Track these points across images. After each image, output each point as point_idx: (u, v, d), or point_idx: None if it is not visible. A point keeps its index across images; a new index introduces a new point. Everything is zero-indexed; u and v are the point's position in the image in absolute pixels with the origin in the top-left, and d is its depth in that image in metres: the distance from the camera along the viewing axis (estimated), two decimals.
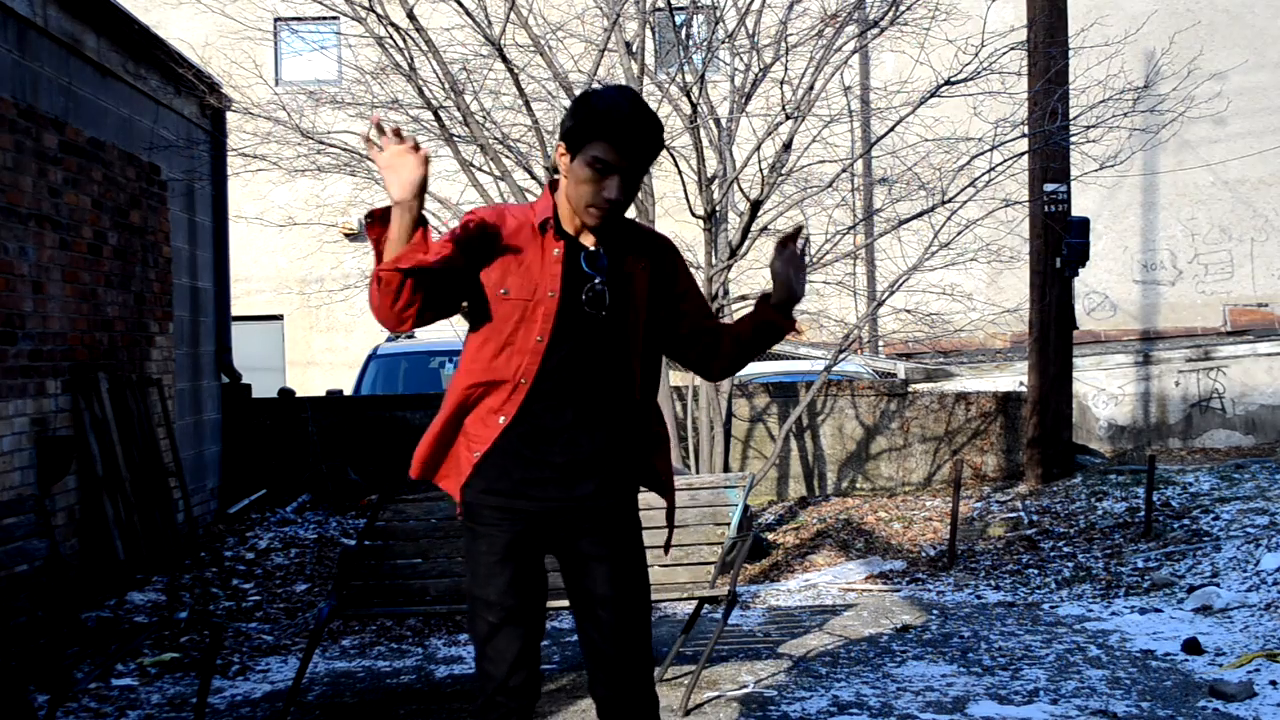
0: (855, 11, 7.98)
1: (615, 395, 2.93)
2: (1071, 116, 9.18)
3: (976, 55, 7.77)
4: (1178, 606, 6.39)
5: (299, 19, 13.78)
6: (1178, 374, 14.82)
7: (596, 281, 2.86)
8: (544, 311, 2.84)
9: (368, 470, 10.44)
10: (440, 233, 2.88)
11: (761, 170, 8.01)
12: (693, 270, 9.38)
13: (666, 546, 3.35)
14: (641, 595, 3.00)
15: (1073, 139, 9.20)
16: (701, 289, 8.53)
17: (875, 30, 8.07)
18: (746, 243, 8.20)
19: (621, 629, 2.94)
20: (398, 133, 2.68)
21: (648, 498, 4.59)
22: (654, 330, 2.99)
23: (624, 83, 8.14)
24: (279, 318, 16.79)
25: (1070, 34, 10.16)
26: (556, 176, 2.94)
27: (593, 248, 2.90)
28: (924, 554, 8.36)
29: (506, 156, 7.98)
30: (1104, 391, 14.83)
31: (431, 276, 2.73)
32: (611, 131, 2.76)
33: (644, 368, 2.98)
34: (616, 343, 2.90)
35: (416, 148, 2.67)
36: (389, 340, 12.50)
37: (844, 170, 8.51)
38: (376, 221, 2.71)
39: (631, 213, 8.51)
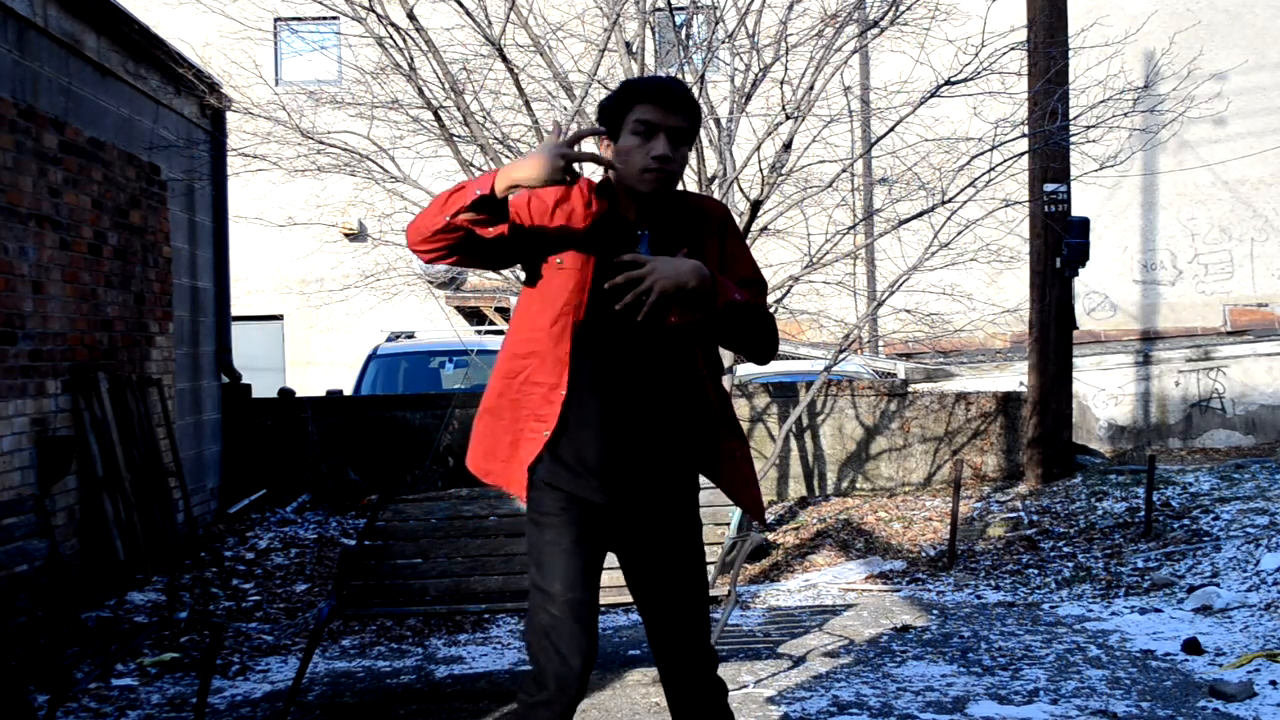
0: (855, 11, 7.98)
1: (674, 377, 2.92)
2: (1071, 116, 9.18)
3: (976, 55, 7.77)
4: (1178, 606, 6.39)
5: (299, 19, 13.78)
6: (1178, 374, 14.82)
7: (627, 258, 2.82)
8: (579, 281, 2.87)
9: (368, 470, 10.44)
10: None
11: (761, 170, 8.01)
12: None
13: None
14: (702, 592, 3.04)
15: (1073, 139, 9.20)
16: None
17: (875, 30, 8.07)
18: (746, 242, 8.20)
19: (685, 625, 2.99)
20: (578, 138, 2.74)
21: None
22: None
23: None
24: (279, 318, 16.79)
25: (1070, 34, 10.16)
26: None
27: (640, 231, 2.90)
28: (924, 554, 8.36)
29: (506, 156, 7.98)
30: (1104, 391, 14.83)
31: (477, 243, 2.82)
32: (653, 93, 2.82)
33: (701, 349, 2.96)
34: (660, 324, 2.88)
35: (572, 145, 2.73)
36: (389, 340, 12.50)
37: (844, 170, 8.50)
38: (461, 204, 2.72)
39: None
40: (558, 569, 2.86)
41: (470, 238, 2.77)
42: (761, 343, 3.01)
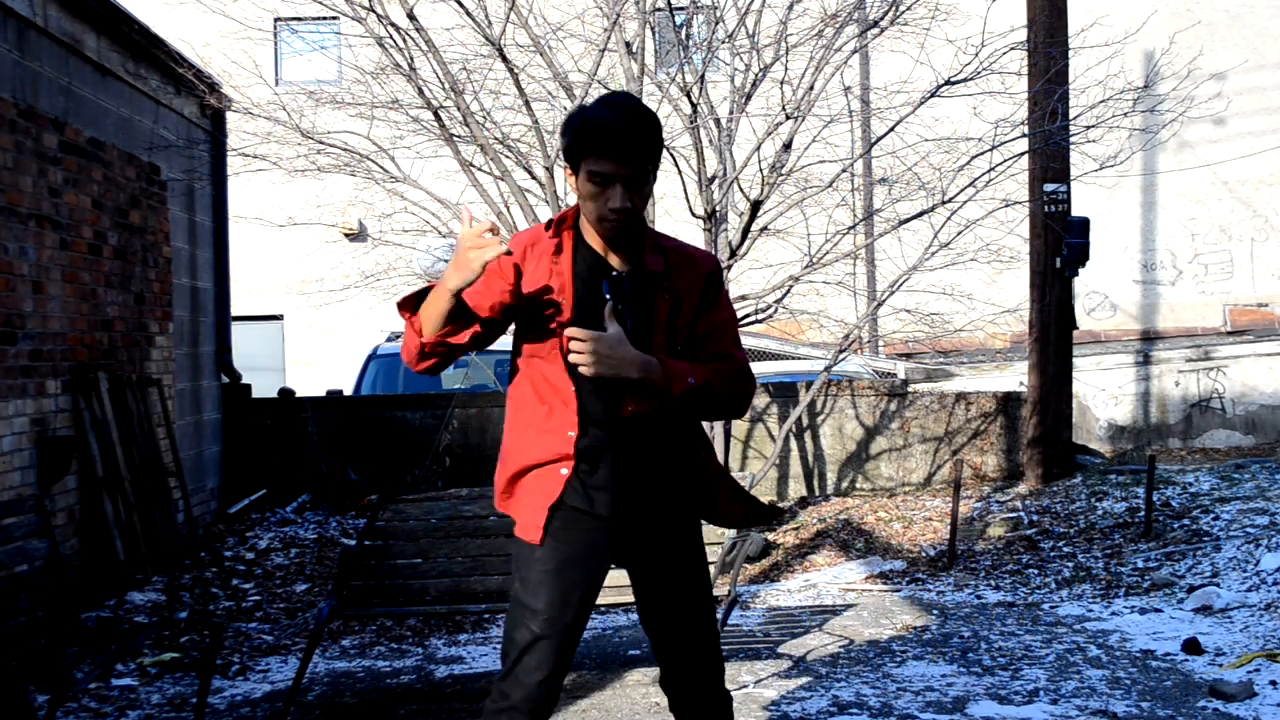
0: (855, 11, 7.98)
1: (655, 414, 2.91)
2: (1071, 116, 9.18)
3: (976, 55, 7.77)
4: (1178, 606, 6.39)
5: (299, 19, 13.77)
6: (1178, 374, 14.82)
7: (618, 306, 2.83)
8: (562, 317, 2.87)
9: (368, 470, 10.44)
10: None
11: (761, 170, 8.00)
12: None
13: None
14: (708, 608, 3.03)
15: (1073, 139, 9.20)
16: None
17: (875, 30, 8.07)
18: (746, 243, 8.20)
19: (692, 641, 2.99)
20: (494, 230, 2.71)
21: None
22: (683, 353, 2.94)
23: (624, 83, 8.14)
24: (279, 318, 16.79)
25: (1070, 34, 10.16)
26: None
27: (617, 269, 2.88)
28: (924, 554, 8.35)
29: (506, 156, 7.98)
30: (1104, 391, 14.83)
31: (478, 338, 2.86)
32: (602, 143, 2.74)
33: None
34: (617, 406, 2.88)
35: (495, 231, 2.70)
36: (389, 340, 12.50)
37: (844, 170, 8.50)
38: (406, 306, 2.81)
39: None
40: (544, 587, 2.88)
41: (457, 347, 2.82)
42: (730, 409, 2.99)
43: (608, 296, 2.83)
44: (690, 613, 3.01)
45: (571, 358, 2.74)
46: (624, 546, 2.98)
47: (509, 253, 2.70)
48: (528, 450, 2.93)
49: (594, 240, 2.90)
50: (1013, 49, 8.19)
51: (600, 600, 4.95)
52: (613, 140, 2.74)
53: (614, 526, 2.93)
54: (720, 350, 2.96)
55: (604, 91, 8.46)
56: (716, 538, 4.98)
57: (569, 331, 2.73)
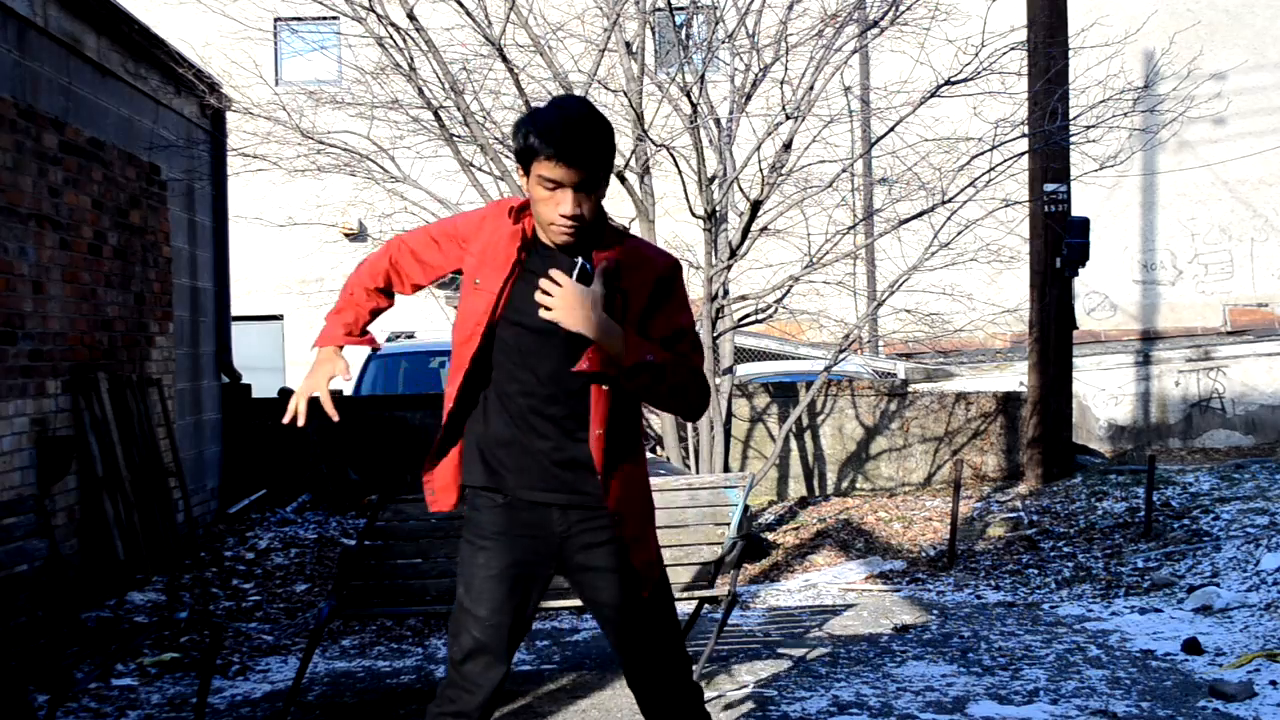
0: (855, 11, 7.98)
1: (586, 407, 2.88)
2: (1071, 116, 9.18)
3: (976, 55, 7.77)
4: (1178, 606, 6.39)
5: (299, 19, 13.78)
6: (1178, 374, 14.82)
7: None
8: (490, 302, 2.89)
9: (368, 470, 10.44)
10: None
11: (761, 170, 8.00)
12: (692, 270, 9.38)
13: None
14: (666, 596, 3.02)
15: (1073, 139, 9.20)
16: (700, 293, 8.59)
17: (875, 30, 8.07)
18: (746, 243, 8.20)
19: (651, 634, 2.98)
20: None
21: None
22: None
23: (624, 83, 8.15)
24: (279, 318, 16.79)
25: (1070, 34, 10.16)
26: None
27: (578, 259, 2.82)
28: (924, 554, 8.35)
29: (506, 156, 7.98)
30: (1104, 391, 14.83)
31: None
32: (551, 149, 2.71)
33: (610, 392, 2.88)
34: (576, 357, 2.83)
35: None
36: (388, 340, 12.50)
37: (844, 170, 8.50)
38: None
39: (629, 213, 8.51)
40: (486, 593, 2.89)
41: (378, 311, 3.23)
42: (683, 403, 2.93)
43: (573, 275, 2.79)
44: (648, 606, 2.99)
45: (539, 297, 2.71)
46: (568, 546, 2.94)
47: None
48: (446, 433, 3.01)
49: (545, 235, 2.89)
50: (1013, 49, 8.19)
51: None
52: (563, 146, 2.71)
53: (549, 520, 2.91)
54: (680, 350, 2.91)
55: (605, 92, 8.49)
56: (716, 538, 4.98)
57: (552, 272, 2.72)
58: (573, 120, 2.74)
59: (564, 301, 2.70)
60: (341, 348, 3.18)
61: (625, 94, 8.14)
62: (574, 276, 2.75)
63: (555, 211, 2.77)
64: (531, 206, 2.85)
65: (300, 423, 3.06)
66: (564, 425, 2.88)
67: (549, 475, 2.90)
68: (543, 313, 2.72)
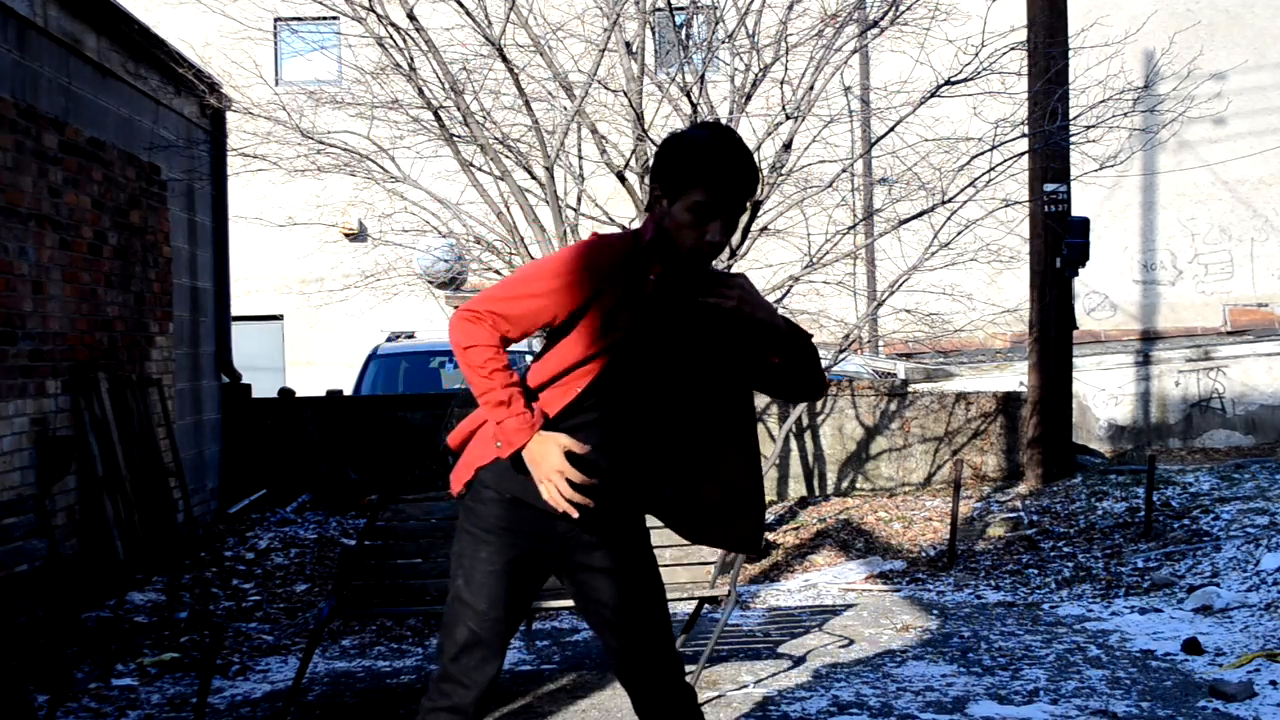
0: (855, 11, 7.98)
1: (662, 426, 2.93)
2: (1071, 116, 9.18)
3: (976, 55, 7.77)
4: (1178, 606, 6.39)
5: (299, 19, 13.77)
6: (1178, 374, 14.82)
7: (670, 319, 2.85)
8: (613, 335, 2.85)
9: (368, 470, 10.44)
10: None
11: (761, 170, 8.00)
12: None
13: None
14: (660, 600, 3.04)
15: (1073, 139, 9.20)
16: None
17: (875, 30, 8.07)
18: (747, 243, 8.20)
19: (649, 637, 2.99)
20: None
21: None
22: (719, 370, 2.95)
23: (624, 83, 8.14)
24: (279, 318, 16.79)
25: (1070, 34, 10.16)
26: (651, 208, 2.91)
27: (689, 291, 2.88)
28: (924, 554, 8.35)
29: (506, 156, 7.98)
30: (1104, 391, 14.83)
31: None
32: (719, 180, 2.73)
33: (709, 406, 2.95)
34: (666, 374, 2.89)
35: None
36: (389, 340, 12.50)
37: (844, 170, 8.50)
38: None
39: (629, 213, 8.51)
40: (487, 588, 2.89)
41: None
42: (813, 384, 3.05)
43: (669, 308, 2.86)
44: (647, 606, 3.01)
45: (726, 303, 2.77)
46: (570, 545, 2.96)
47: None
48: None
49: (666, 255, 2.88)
50: (1013, 49, 8.19)
51: None
52: (730, 180, 2.74)
53: (551, 526, 2.91)
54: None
55: (605, 93, 8.49)
56: None
57: (733, 280, 2.80)
58: (740, 155, 2.78)
59: (746, 293, 2.79)
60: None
61: (625, 94, 8.14)
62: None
63: (702, 239, 2.79)
64: (670, 227, 2.82)
65: (573, 514, 2.83)
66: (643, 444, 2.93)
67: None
68: (727, 303, 2.78)
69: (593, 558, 2.96)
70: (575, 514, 2.78)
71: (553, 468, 2.76)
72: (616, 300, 2.81)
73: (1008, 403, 11.29)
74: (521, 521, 2.92)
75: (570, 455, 2.81)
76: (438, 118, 7.83)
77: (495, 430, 2.83)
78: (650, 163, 8.40)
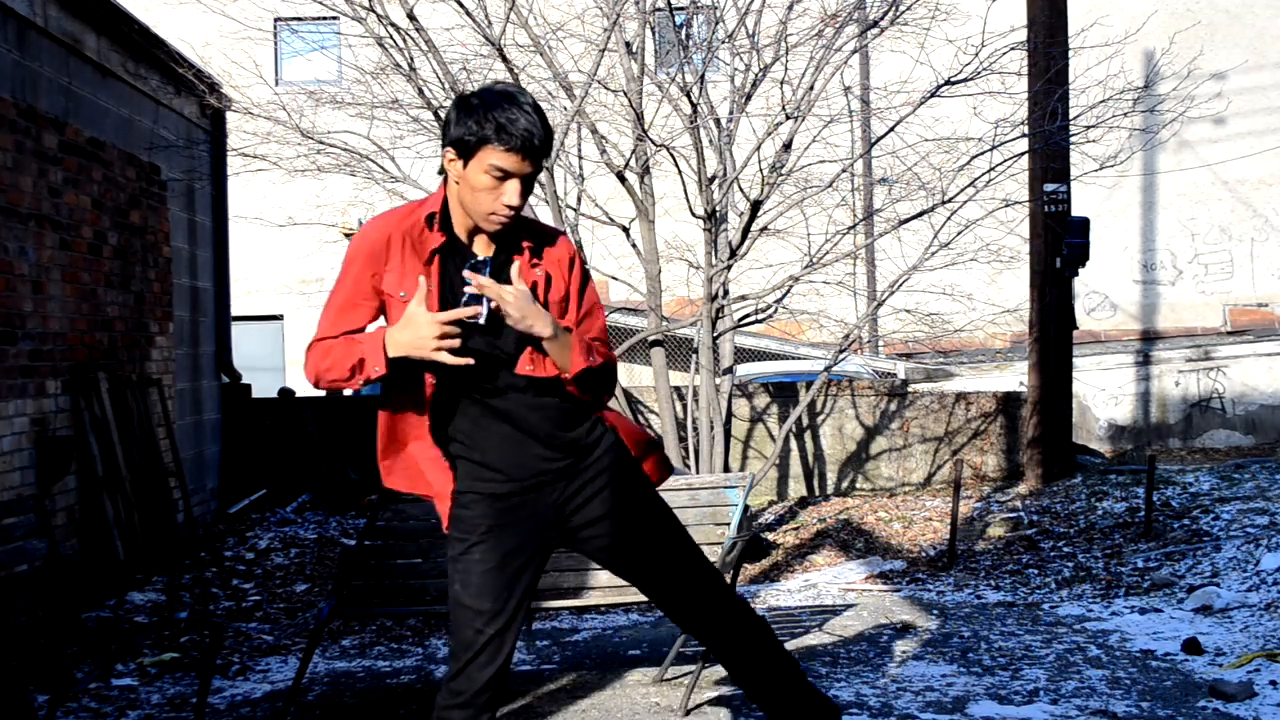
0: (855, 11, 7.98)
1: (538, 393, 2.90)
2: (1071, 116, 9.18)
3: (976, 55, 7.77)
4: (1178, 606, 6.39)
5: (299, 19, 13.77)
6: (1178, 374, 14.83)
7: (468, 296, 2.78)
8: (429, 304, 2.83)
9: (368, 470, 10.44)
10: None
11: (761, 170, 8.01)
12: (692, 270, 9.35)
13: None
14: (674, 527, 3.06)
15: (1073, 139, 9.20)
16: (700, 293, 8.60)
17: (875, 30, 8.07)
18: (746, 243, 8.20)
19: (670, 563, 3.02)
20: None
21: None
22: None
23: (624, 83, 8.14)
24: (279, 318, 16.79)
25: (1070, 34, 10.16)
26: (444, 177, 2.88)
27: (481, 255, 2.84)
28: (924, 554, 8.35)
29: None
30: (1104, 391, 14.83)
31: None
32: (515, 141, 2.71)
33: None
34: (507, 346, 2.85)
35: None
36: None
37: (844, 170, 8.50)
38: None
39: (629, 213, 8.52)
40: (488, 587, 2.88)
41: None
42: (597, 394, 2.99)
43: (467, 285, 2.77)
44: (667, 533, 3.03)
45: (505, 307, 2.71)
46: (565, 509, 2.96)
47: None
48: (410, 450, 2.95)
49: (459, 227, 2.86)
50: (1013, 49, 8.19)
51: (600, 600, 4.95)
52: (525, 142, 2.72)
53: (542, 494, 2.92)
54: (597, 338, 2.97)
55: (605, 93, 8.49)
56: (717, 538, 4.98)
57: (467, 273, 2.73)
58: (531, 111, 2.76)
59: (522, 306, 2.72)
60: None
61: (625, 94, 8.14)
62: (486, 272, 2.78)
63: (498, 202, 2.76)
64: (461, 195, 2.80)
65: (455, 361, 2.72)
66: (527, 404, 2.89)
67: (533, 456, 2.91)
68: (511, 320, 2.72)
69: (591, 509, 2.97)
70: (470, 360, 2.69)
71: (428, 330, 2.68)
72: (400, 277, 2.81)
73: (1008, 403, 11.29)
74: (509, 513, 2.92)
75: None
76: (438, 118, 7.83)
77: (363, 366, 2.75)
78: (649, 163, 8.38)
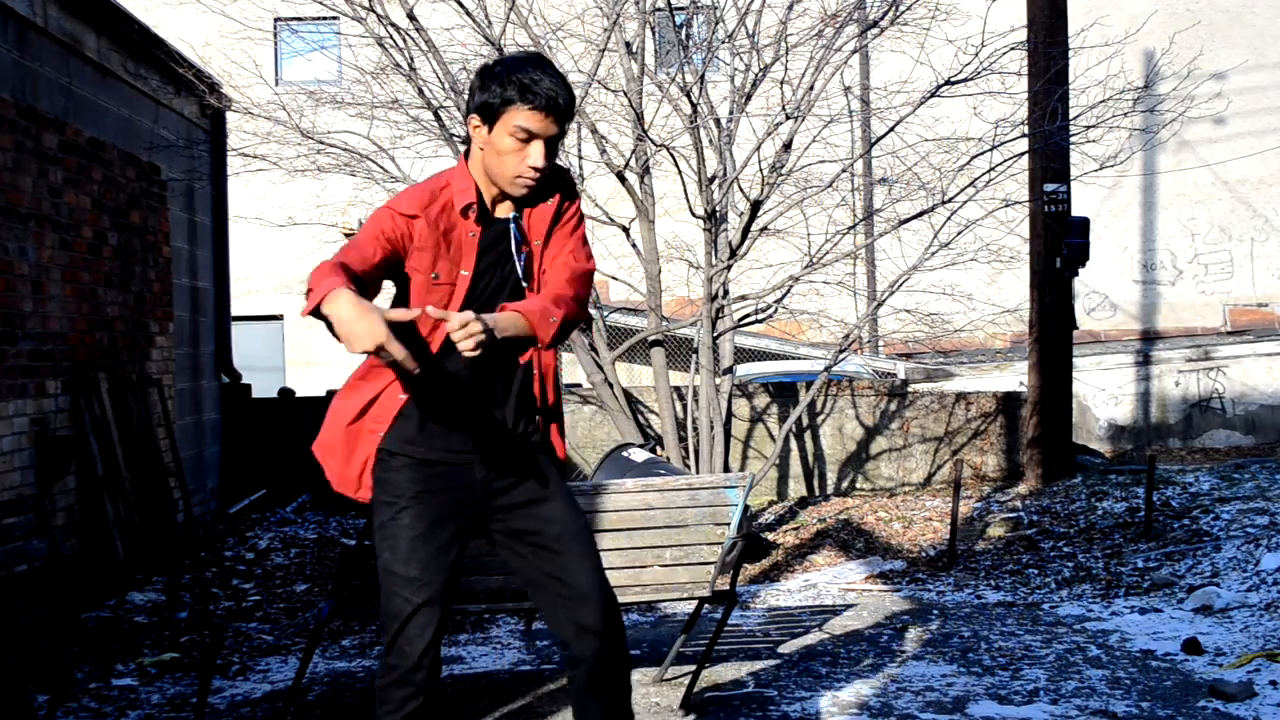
0: (855, 11, 7.99)
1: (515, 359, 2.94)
2: (1071, 116, 9.18)
3: (976, 55, 7.78)
4: (1178, 606, 6.39)
5: (299, 19, 13.78)
6: (1178, 374, 14.83)
7: (519, 266, 2.86)
8: (458, 293, 2.86)
9: None
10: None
11: (761, 170, 8.01)
12: (692, 270, 9.34)
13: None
14: (587, 531, 3.04)
15: (1073, 139, 9.20)
16: (700, 293, 8.61)
17: (875, 30, 8.07)
18: (746, 243, 8.20)
19: (581, 561, 2.97)
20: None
21: (648, 498, 4.58)
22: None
23: (624, 83, 8.15)
24: (279, 318, 16.79)
25: (1070, 34, 10.16)
26: (467, 148, 2.92)
27: (511, 223, 2.89)
28: (924, 554, 8.35)
29: None
30: (1104, 391, 14.83)
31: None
32: (540, 100, 2.76)
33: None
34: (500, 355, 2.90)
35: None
36: None
37: (844, 170, 8.50)
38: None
39: (629, 213, 8.51)
40: (417, 553, 2.86)
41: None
42: (563, 339, 2.98)
43: (516, 253, 2.87)
44: (582, 533, 3.00)
45: (461, 346, 2.62)
46: (489, 490, 2.95)
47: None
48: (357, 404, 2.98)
49: (486, 193, 2.89)
50: (1013, 49, 8.19)
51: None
52: (552, 103, 2.77)
53: (469, 474, 2.93)
54: (559, 294, 2.91)
55: (605, 93, 8.49)
56: (716, 538, 4.98)
57: (431, 311, 2.64)
58: (554, 74, 2.81)
59: (479, 335, 2.63)
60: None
61: (625, 94, 8.15)
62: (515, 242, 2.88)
63: (524, 164, 2.80)
64: (487, 161, 2.84)
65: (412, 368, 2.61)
66: (491, 384, 2.93)
67: (475, 429, 2.92)
68: (467, 355, 2.64)
69: (514, 496, 2.97)
70: (414, 366, 2.58)
71: (366, 334, 2.48)
72: (433, 259, 2.83)
73: (1008, 403, 11.29)
74: (436, 479, 2.91)
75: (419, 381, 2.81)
76: (438, 118, 7.84)
77: (309, 296, 2.61)
78: (649, 163, 8.39)
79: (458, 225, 2.87)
